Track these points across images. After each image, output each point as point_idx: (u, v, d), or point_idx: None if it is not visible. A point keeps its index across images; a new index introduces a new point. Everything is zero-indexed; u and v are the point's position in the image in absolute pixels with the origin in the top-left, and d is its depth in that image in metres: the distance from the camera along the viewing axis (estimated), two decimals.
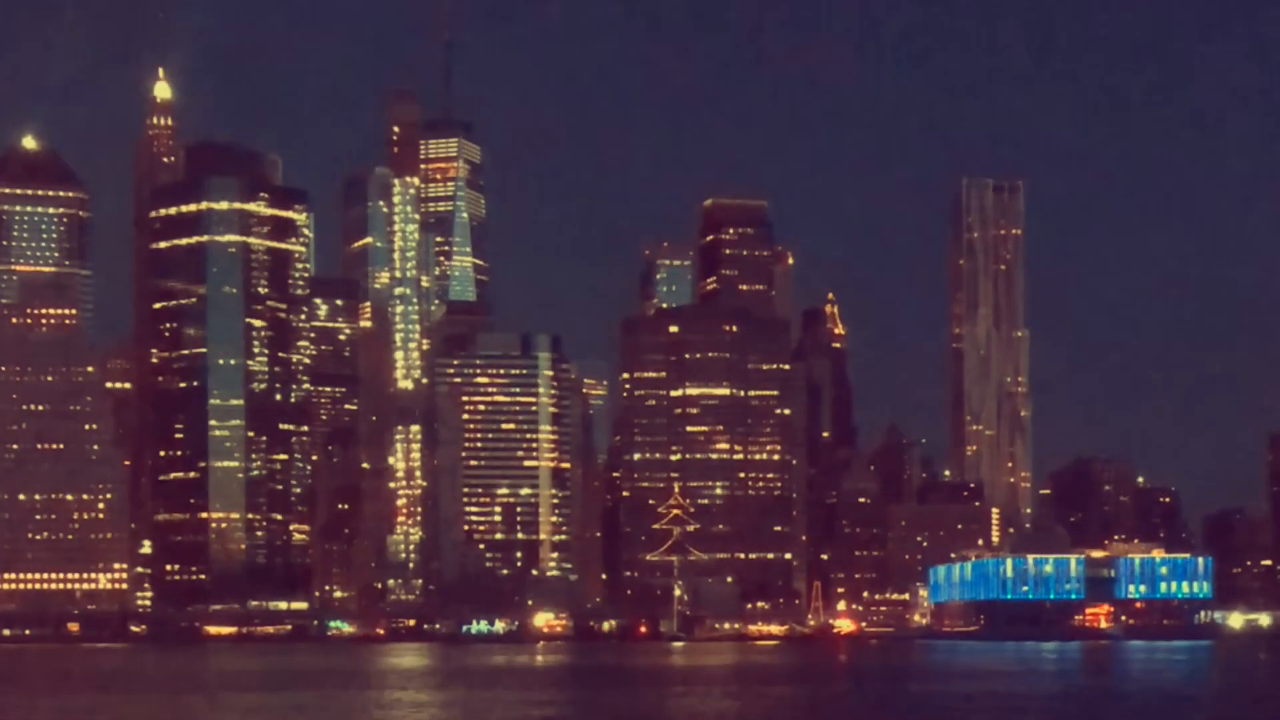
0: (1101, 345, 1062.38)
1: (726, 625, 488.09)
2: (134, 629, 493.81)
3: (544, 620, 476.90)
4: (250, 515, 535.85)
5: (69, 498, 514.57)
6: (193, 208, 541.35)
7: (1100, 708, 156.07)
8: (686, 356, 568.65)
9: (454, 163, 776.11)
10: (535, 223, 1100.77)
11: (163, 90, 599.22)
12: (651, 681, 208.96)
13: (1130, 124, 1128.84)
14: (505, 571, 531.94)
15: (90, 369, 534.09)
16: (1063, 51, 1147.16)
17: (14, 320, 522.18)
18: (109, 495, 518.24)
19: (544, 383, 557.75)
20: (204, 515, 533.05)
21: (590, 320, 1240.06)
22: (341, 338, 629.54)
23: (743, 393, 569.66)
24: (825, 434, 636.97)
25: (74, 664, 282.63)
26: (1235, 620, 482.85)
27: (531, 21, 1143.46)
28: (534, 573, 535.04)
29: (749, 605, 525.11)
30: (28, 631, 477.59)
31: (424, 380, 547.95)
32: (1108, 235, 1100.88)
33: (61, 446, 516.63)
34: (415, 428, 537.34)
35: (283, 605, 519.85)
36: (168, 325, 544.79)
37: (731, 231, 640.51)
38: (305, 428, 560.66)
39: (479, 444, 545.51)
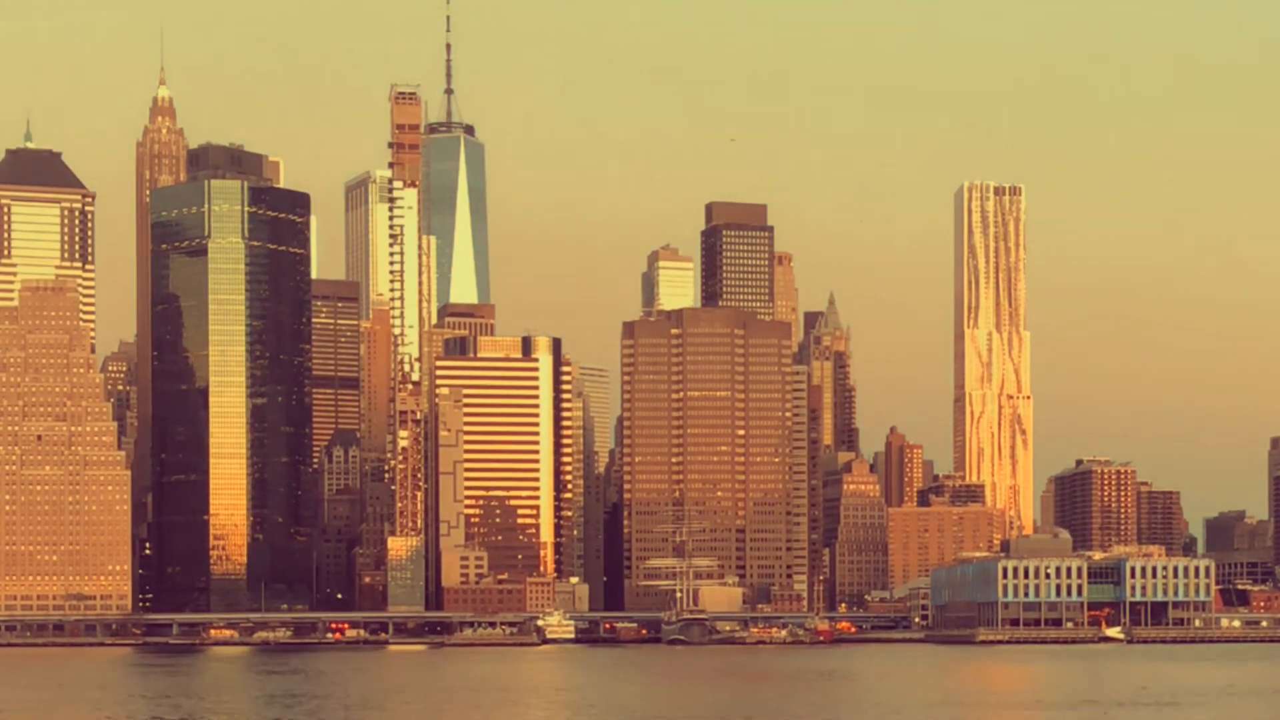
0: (1102, 347, 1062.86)
1: (728, 627, 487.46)
2: (135, 631, 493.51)
3: (545, 622, 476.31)
4: (252, 517, 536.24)
5: (70, 500, 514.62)
6: (195, 210, 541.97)
7: None
8: (688, 359, 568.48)
9: (456, 165, 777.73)
10: (537, 225, 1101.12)
11: (165, 92, 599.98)
12: None
13: (1131, 126, 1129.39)
14: (506, 574, 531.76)
15: (92, 371, 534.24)
16: (1064, 54, 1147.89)
17: (16, 321, 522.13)
18: (110, 497, 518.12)
19: (545, 385, 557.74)
20: (205, 517, 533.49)
21: (591, 323, 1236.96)
22: (343, 340, 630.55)
23: (744, 395, 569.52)
24: (827, 436, 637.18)
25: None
26: (1235, 623, 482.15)
27: (532, 22, 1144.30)
28: (535, 575, 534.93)
29: (750, 608, 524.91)
30: (29, 634, 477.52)
31: (425, 382, 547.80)
32: (1108, 237, 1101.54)
33: (63, 448, 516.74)
34: (416, 430, 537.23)
35: (284, 608, 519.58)
36: (169, 327, 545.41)
37: (733, 234, 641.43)
38: (307, 429, 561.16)
39: (480, 446, 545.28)
